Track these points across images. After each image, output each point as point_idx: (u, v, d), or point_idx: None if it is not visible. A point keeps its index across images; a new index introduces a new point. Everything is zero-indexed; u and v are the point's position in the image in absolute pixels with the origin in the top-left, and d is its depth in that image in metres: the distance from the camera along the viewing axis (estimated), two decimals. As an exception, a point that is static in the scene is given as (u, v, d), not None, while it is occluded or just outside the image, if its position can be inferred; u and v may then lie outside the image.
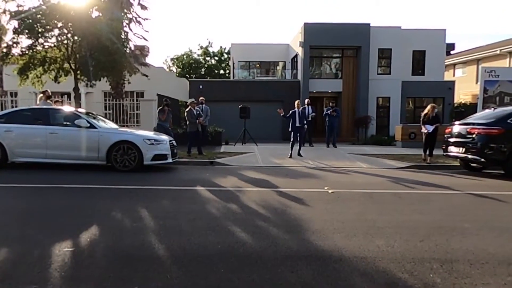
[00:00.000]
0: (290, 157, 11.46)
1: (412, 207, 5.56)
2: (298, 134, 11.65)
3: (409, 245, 3.79)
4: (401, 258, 3.45)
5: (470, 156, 8.95)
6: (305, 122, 11.77)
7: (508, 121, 8.57)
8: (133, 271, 3.09)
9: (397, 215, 5.07)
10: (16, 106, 16.70)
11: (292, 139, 11.72)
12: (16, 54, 12.21)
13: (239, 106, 15.66)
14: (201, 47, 39.81)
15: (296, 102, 11.87)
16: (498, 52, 24.32)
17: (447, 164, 10.56)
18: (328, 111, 15.00)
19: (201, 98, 14.14)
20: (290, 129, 11.67)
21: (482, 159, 8.67)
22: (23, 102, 16.26)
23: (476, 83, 21.92)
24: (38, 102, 11.05)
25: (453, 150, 9.47)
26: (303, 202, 5.75)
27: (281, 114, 11.96)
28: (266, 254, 3.50)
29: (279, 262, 3.32)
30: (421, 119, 10.99)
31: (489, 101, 14.33)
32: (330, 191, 6.59)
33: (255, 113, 16.22)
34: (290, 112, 11.67)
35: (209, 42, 40.36)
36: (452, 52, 24.25)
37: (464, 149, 9.07)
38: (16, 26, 11.59)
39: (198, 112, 11.72)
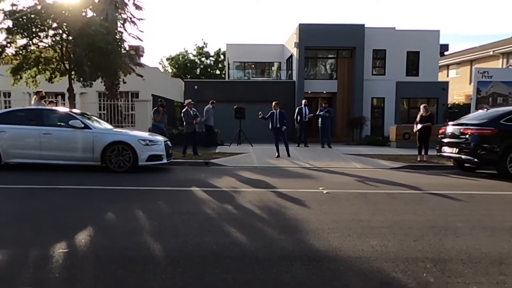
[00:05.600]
0: (278, 156, 11.65)
1: (406, 207, 5.60)
2: (279, 135, 11.85)
3: (403, 245, 3.82)
4: (395, 257, 3.48)
5: (463, 157, 9.03)
6: (285, 122, 11.82)
7: (501, 121, 8.65)
8: (128, 272, 3.09)
9: (391, 215, 5.10)
10: (9, 107, 16.61)
11: (275, 140, 11.99)
12: (10, 54, 12.11)
13: (234, 107, 15.68)
14: (198, 47, 39.69)
15: (274, 103, 11.99)
16: (491, 53, 24.55)
17: (441, 164, 10.65)
18: (321, 112, 15.01)
19: (211, 101, 14.40)
20: (270, 130, 11.98)
21: (476, 159, 8.75)
22: (17, 103, 16.17)
23: (470, 83, 22.10)
24: (32, 102, 11.00)
25: (447, 150, 9.55)
26: (298, 202, 5.77)
27: (260, 116, 12.15)
28: (261, 254, 3.52)
29: (274, 262, 3.33)
30: (416, 119, 11.26)
31: (482, 101, 14.45)
32: (324, 191, 6.61)
33: (250, 113, 16.24)
34: (269, 113, 11.89)
35: (204, 43, 40.25)
36: (445, 53, 24.42)
37: (457, 150, 9.15)
38: (10, 26, 11.49)
39: (195, 113, 11.73)
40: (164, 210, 5.32)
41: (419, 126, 11.04)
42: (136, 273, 3.06)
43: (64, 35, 12.09)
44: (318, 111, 15.41)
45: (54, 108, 10.27)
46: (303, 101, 15.45)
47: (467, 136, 8.90)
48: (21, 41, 11.88)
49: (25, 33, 11.48)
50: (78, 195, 6.32)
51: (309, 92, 21.80)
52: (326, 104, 15.87)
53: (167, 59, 40.51)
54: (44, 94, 11.44)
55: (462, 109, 19.57)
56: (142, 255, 3.46)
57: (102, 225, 4.49)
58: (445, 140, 9.64)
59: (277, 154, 11.75)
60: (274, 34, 73.72)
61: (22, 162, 8.82)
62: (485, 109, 9.89)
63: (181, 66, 38.83)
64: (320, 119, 14.97)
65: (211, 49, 40.61)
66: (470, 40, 71.25)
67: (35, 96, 11.17)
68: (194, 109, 11.91)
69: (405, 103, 22.84)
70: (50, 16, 11.51)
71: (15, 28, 11.40)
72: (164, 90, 18.51)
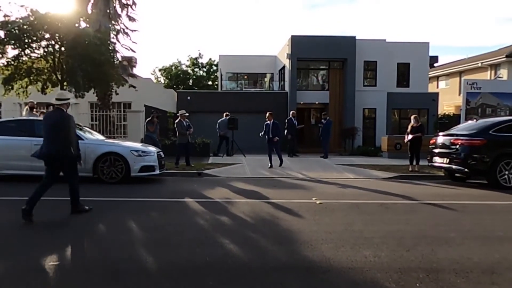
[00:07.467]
0: (271, 167, 11.64)
1: (398, 217, 5.63)
2: (272, 145, 11.87)
3: (396, 255, 3.84)
4: (388, 268, 3.49)
5: (454, 167, 9.13)
6: (278, 133, 11.87)
7: (490, 132, 8.79)
8: (121, 285, 3.06)
9: (384, 225, 5.13)
10: (0, 117, 16.43)
11: (268, 150, 12.01)
12: (1, 64, 12.04)
13: (227, 118, 15.69)
14: (191, 58, 39.81)
15: (268, 113, 12.09)
16: (479, 64, 24.96)
17: (432, 174, 10.74)
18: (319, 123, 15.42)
19: (226, 113, 15.10)
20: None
21: (466, 170, 8.85)
22: (7, 113, 16.02)
23: (459, 95, 22.41)
24: (23, 113, 10.92)
25: (438, 160, 9.65)
26: (291, 213, 5.77)
27: (261, 135, 12.22)
28: (255, 266, 3.51)
29: (268, 274, 3.32)
30: (407, 130, 11.41)
31: (472, 112, 14.63)
32: (318, 202, 6.63)
33: (243, 124, 16.25)
34: (264, 125, 11.97)
35: (200, 54, 40.41)
36: (435, 64, 24.84)
37: (448, 160, 9.25)
38: (2, 36, 11.45)
39: (188, 124, 11.73)
40: (157, 221, 5.28)
41: (410, 136, 11.18)
42: (129, 286, 3.03)
43: (57, 46, 12.07)
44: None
45: (45, 119, 10.18)
46: (291, 113, 15.80)
47: (457, 146, 9.02)
48: (13, 52, 11.84)
49: (18, 44, 11.44)
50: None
51: (302, 102, 21.94)
52: (325, 114, 16.16)
53: (160, 69, 40.58)
54: (34, 105, 11.35)
55: (452, 120, 19.79)
56: (134, 268, 3.43)
57: (94, 237, 4.45)
58: (436, 150, 9.74)
59: (270, 164, 11.77)
60: (266, 45, 74.42)
61: (13, 174, 8.72)
62: (475, 120, 10.04)
63: (174, 76, 38.88)
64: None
65: (203, 60, 40.74)
66: (459, 52, 72.73)
67: (26, 107, 11.10)
68: (187, 120, 11.92)
69: (396, 113, 23.09)
70: (43, 27, 11.50)
71: (7, 38, 11.36)
72: (156, 100, 18.47)
